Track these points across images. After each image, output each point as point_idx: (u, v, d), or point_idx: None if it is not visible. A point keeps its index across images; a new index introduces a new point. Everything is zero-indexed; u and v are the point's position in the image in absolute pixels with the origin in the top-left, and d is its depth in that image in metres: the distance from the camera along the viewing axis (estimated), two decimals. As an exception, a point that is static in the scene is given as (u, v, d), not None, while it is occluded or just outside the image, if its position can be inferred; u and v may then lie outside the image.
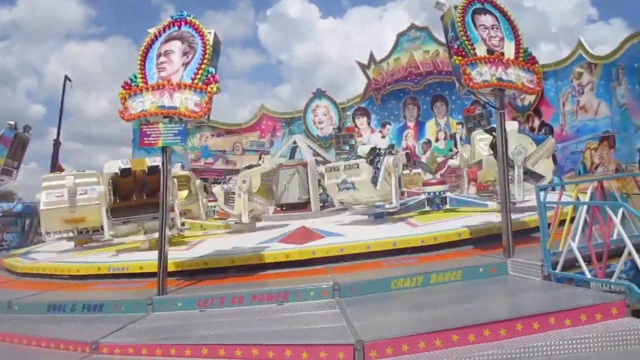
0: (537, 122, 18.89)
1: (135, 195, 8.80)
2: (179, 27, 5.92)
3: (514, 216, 5.96)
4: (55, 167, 21.02)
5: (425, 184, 10.76)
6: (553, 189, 6.60)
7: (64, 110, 23.65)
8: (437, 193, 9.89)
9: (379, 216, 9.13)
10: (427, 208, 9.83)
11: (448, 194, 10.02)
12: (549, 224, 4.97)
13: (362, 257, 6.27)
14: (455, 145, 21.02)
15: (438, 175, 17.77)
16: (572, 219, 4.83)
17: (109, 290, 6.10)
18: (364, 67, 23.81)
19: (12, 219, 17.71)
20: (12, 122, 13.83)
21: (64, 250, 9.52)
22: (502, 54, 5.74)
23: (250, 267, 6.25)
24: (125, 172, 8.37)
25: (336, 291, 4.95)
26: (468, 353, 3.36)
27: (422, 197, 10.12)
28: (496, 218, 6.56)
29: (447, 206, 9.77)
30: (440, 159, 21.07)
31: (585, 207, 4.73)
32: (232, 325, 4.43)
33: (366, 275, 5.52)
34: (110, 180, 8.48)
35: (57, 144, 22.72)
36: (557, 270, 4.63)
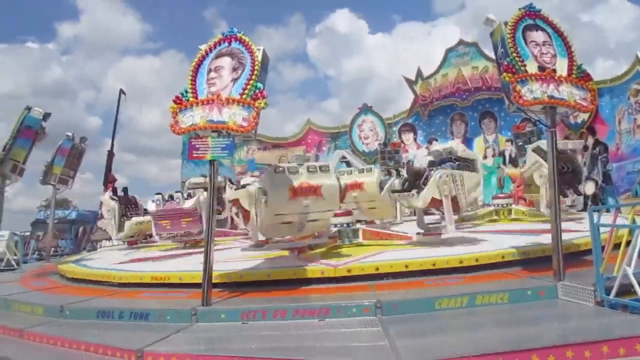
0: (590, 141, 18.23)
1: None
2: (229, 43, 6.08)
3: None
4: (109, 177, 21.81)
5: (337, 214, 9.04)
6: (607, 211, 6.36)
7: (119, 123, 24.56)
8: (347, 225, 8.80)
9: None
10: (338, 242, 8.69)
11: (359, 225, 9.14)
12: (603, 247, 4.77)
13: (404, 276, 6.17)
14: (504, 163, 20.51)
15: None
16: (628, 243, 4.62)
17: (155, 299, 6.25)
18: (411, 83, 23.66)
19: (66, 226, 18.44)
20: (70, 134, 14.50)
21: (122, 260, 9.80)
22: (554, 70, 5.60)
23: (293, 281, 6.26)
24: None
25: (378, 309, 4.89)
26: (514, 379, 3.25)
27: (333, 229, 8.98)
28: (546, 239, 6.34)
29: (360, 239, 8.72)
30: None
31: (642, 230, 4.52)
32: (273, 339, 4.44)
33: (409, 294, 5.43)
34: None
35: (110, 154, 23.59)
36: (611, 296, 4.43)
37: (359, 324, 4.64)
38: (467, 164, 8.34)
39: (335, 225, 8.83)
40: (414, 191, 7.91)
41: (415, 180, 8.08)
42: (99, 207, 13.96)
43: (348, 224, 8.84)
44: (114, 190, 14.06)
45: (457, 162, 8.21)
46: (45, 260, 14.14)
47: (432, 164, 8.58)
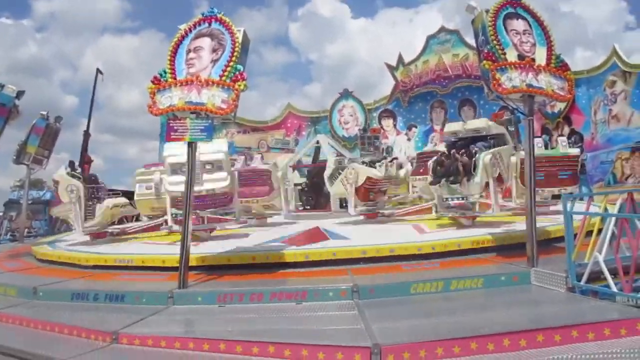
0: (567, 130, 18.52)
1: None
2: (209, 24, 5.98)
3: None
4: (84, 157, 21.42)
5: None
6: (581, 199, 6.47)
7: (96, 103, 24.10)
8: None
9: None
10: None
11: None
12: (575, 235, 4.87)
13: (383, 260, 6.23)
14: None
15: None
16: (600, 231, 4.72)
17: (131, 281, 6.20)
18: (391, 69, 23.65)
19: (40, 206, 18.11)
20: (44, 113, 14.18)
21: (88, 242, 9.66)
22: (533, 59, 5.65)
23: (270, 265, 6.27)
24: None
25: (355, 293, 4.94)
26: (486, 362, 3.32)
27: None
28: (521, 226, 6.45)
29: None
30: None
31: (613, 218, 4.62)
32: (250, 322, 4.46)
33: (386, 278, 5.48)
34: None
35: (86, 135, 23.11)
36: (582, 282, 4.54)
37: (336, 308, 4.68)
38: (499, 139, 8.23)
39: None
40: (463, 179, 7.53)
41: (451, 167, 7.71)
42: (54, 188, 10.46)
43: None
44: (72, 165, 10.85)
45: (491, 140, 8.14)
46: (19, 241, 13.93)
47: (458, 146, 8.18)
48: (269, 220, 11.12)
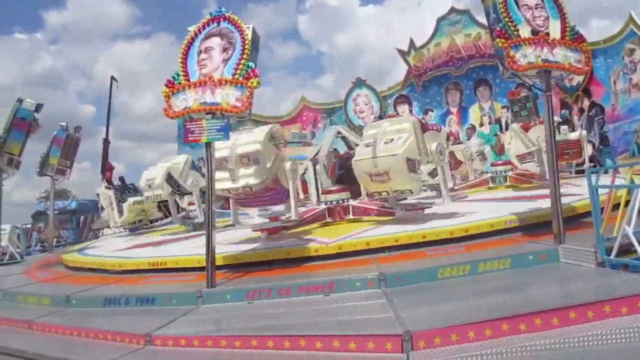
0: (586, 103, 18.16)
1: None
2: (218, 23, 6.00)
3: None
4: (105, 165, 21.76)
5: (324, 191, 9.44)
6: (606, 172, 6.36)
7: (112, 110, 24.44)
8: (338, 202, 8.78)
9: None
10: (328, 219, 8.73)
11: (351, 201, 8.91)
12: (602, 209, 4.79)
13: (408, 247, 6.21)
14: (501, 130, 20.45)
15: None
16: (627, 203, 4.64)
17: (160, 284, 6.29)
18: (403, 54, 23.45)
19: (67, 216, 18.47)
20: (64, 124, 14.42)
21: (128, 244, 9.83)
22: (548, 34, 5.54)
23: (296, 259, 6.30)
24: None
25: (382, 281, 4.93)
26: (519, 343, 3.28)
27: (322, 207, 8.92)
28: (546, 204, 6.36)
29: (350, 216, 8.69)
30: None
31: (640, 190, 4.53)
32: (279, 316, 4.48)
33: (412, 265, 5.47)
34: None
35: (106, 142, 23.51)
36: (612, 257, 4.47)
37: (364, 297, 4.68)
38: None
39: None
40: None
41: None
42: (98, 200, 14.08)
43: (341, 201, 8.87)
44: (109, 181, 14.12)
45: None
46: (49, 251, 14.21)
47: None
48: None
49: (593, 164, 12.54)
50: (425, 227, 6.63)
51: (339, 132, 13.65)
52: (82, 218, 18.61)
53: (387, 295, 4.61)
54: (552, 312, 3.50)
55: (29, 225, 17.57)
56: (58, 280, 7.79)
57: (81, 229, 18.12)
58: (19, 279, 8.27)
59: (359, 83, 24.13)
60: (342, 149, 13.29)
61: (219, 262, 5.90)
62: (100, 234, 17.57)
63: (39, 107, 12.76)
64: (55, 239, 15.84)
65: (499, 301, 4.05)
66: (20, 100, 12.27)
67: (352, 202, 8.87)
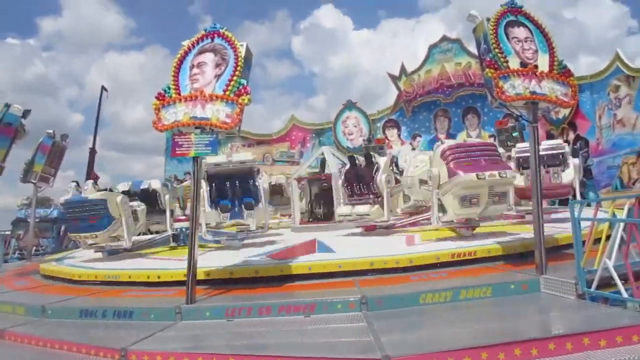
0: (572, 136, 18.47)
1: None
2: (212, 39, 6.03)
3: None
4: (91, 175, 21.54)
5: (177, 219, 10.72)
6: (588, 205, 6.43)
7: (101, 120, 24.35)
8: (185, 229, 9.63)
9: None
10: (172, 244, 9.71)
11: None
12: (584, 241, 4.84)
13: (390, 272, 6.20)
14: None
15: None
16: (608, 237, 4.69)
17: (139, 298, 6.19)
18: (394, 79, 23.74)
19: (48, 224, 18.14)
20: (51, 131, 14.29)
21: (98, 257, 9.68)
22: (536, 66, 5.65)
23: (278, 278, 6.25)
24: None
25: (364, 304, 4.91)
26: (498, 372, 3.28)
27: (168, 233, 10.08)
28: (528, 234, 6.41)
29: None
30: None
31: (622, 224, 4.59)
32: (259, 335, 4.44)
33: (394, 289, 5.45)
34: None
35: (92, 152, 23.34)
36: (592, 289, 4.50)
37: (345, 320, 4.66)
38: None
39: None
40: None
41: None
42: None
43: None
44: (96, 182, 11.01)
45: None
46: (27, 259, 13.94)
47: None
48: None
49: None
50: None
51: (321, 153, 13.71)
52: (62, 227, 18.30)
53: (368, 318, 4.58)
54: (531, 342, 3.51)
55: (8, 232, 17.25)
56: (34, 289, 7.64)
57: (62, 238, 17.80)
58: (-6, 287, 8.09)
59: (350, 105, 24.34)
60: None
61: (200, 277, 5.84)
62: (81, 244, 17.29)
63: (26, 113, 12.62)
64: (34, 247, 15.55)
65: (479, 329, 4.05)
66: (7, 106, 12.15)
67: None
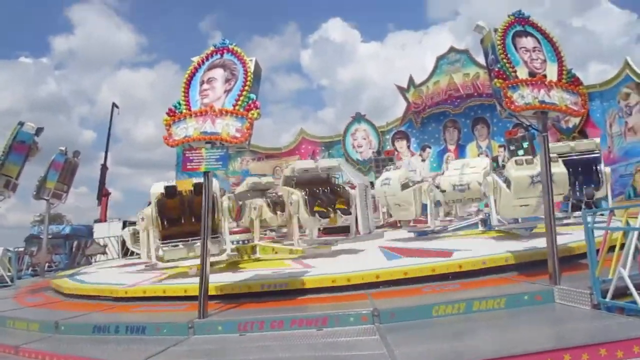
0: (583, 145, 18.31)
1: (184, 218, 8.61)
2: (222, 55, 6.10)
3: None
4: (103, 190, 21.72)
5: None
6: (602, 214, 6.36)
7: (113, 136, 24.64)
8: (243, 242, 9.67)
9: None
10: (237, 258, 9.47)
11: (256, 241, 9.81)
12: (598, 250, 4.79)
13: (399, 284, 6.17)
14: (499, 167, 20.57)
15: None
16: (622, 245, 4.64)
17: (151, 313, 6.21)
18: (403, 91, 23.81)
19: (60, 241, 18.28)
20: (63, 148, 14.43)
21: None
22: (545, 76, 5.65)
23: (290, 292, 6.24)
24: (170, 190, 8.25)
25: (376, 317, 4.88)
26: (513, 384, 3.25)
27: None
28: (542, 243, 6.35)
29: (258, 255, 9.43)
30: None
31: (636, 232, 4.54)
32: (271, 350, 4.42)
33: (406, 301, 5.42)
34: (157, 202, 8.24)
35: (104, 168, 23.55)
36: (607, 299, 4.44)
37: (357, 333, 4.63)
38: None
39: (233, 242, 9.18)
40: None
41: None
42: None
43: (245, 241, 9.53)
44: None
45: None
46: (40, 275, 14.02)
47: None
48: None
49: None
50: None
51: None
52: (75, 243, 18.43)
53: (381, 331, 4.56)
54: (546, 354, 3.48)
55: (22, 249, 17.39)
56: (47, 305, 7.69)
57: (74, 254, 17.90)
58: (8, 303, 8.14)
59: (358, 117, 24.43)
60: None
61: (212, 292, 5.85)
62: (93, 260, 17.40)
63: (39, 131, 12.79)
64: (47, 264, 15.64)
65: (493, 341, 4.01)
66: (21, 124, 12.32)
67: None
